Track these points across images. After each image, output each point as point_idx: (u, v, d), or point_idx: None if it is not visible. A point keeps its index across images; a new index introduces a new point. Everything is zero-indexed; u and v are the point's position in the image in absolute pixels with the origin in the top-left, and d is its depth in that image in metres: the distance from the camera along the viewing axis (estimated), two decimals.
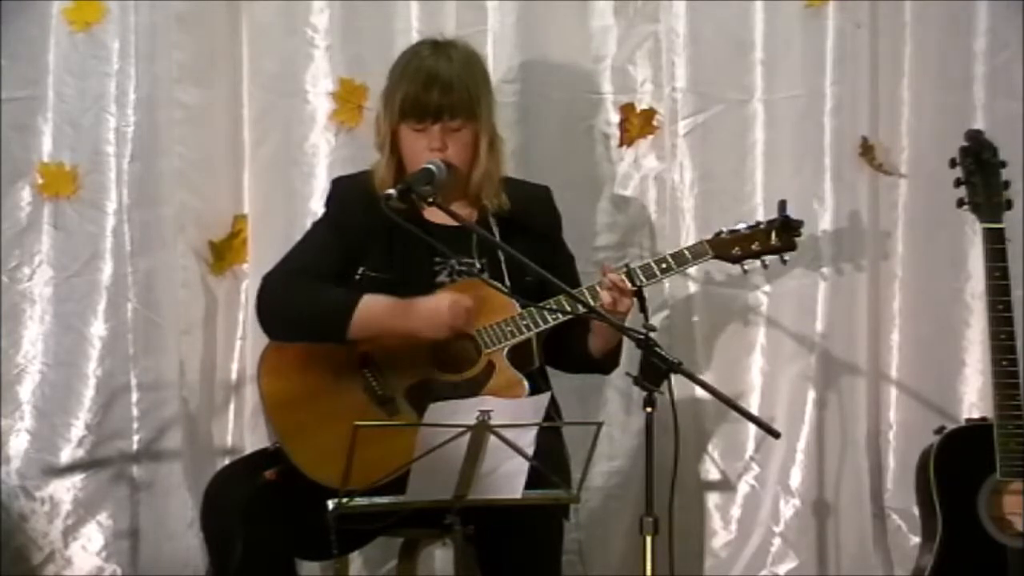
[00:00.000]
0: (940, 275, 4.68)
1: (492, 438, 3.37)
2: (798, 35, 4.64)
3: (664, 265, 4.01)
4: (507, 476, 3.44)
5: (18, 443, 4.57)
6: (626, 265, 4.00)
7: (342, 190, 4.08)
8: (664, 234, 4.68)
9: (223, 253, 4.67)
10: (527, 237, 3.97)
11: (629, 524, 4.60)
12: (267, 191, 4.65)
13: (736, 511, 4.69)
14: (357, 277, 3.97)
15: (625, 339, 3.60)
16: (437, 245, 3.80)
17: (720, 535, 4.69)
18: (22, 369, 4.59)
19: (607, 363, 4.06)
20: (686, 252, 4.06)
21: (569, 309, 3.86)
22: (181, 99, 4.59)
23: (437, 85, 3.90)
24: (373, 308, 3.84)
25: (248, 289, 4.62)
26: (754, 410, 4.53)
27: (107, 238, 4.56)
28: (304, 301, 3.89)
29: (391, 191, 3.69)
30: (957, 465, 4.24)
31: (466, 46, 4.04)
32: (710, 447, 4.69)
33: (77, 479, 4.55)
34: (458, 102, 3.91)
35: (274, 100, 4.63)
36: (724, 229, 4.12)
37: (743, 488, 4.68)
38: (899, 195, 4.69)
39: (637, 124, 4.70)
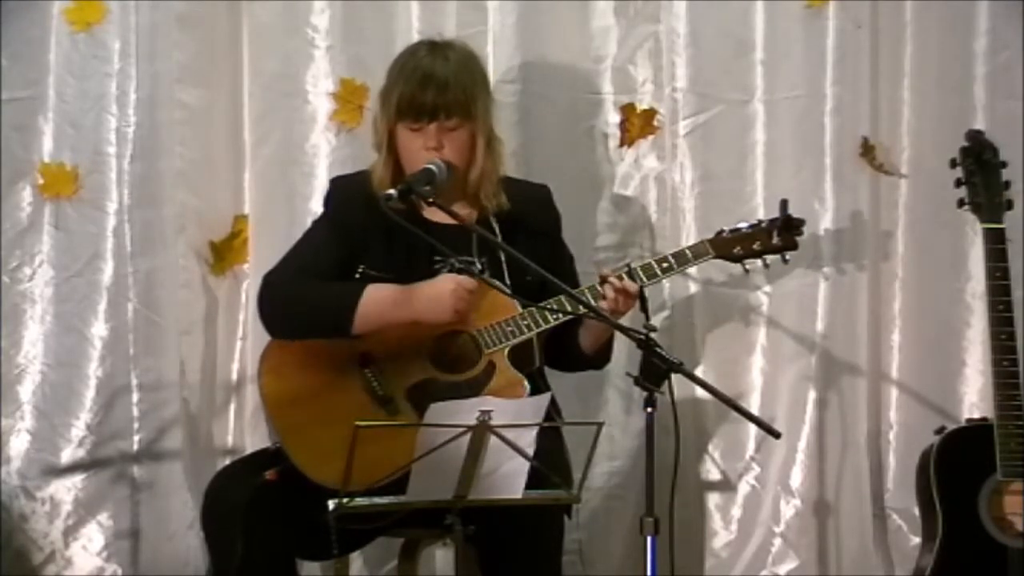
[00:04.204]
0: (941, 275, 4.68)
1: (493, 438, 3.37)
2: (799, 35, 4.64)
3: (665, 265, 4.01)
4: (508, 476, 3.45)
5: (19, 443, 4.57)
6: (627, 265, 4.00)
7: (341, 189, 4.08)
8: (665, 234, 4.68)
9: (224, 253, 4.67)
10: (527, 236, 3.98)
11: (630, 524, 4.61)
12: (268, 191, 4.65)
13: (737, 511, 4.69)
14: (357, 276, 3.97)
15: (623, 338, 3.60)
16: (437, 244, 3.80)
17: (721, 535, 4.69)
18: (23, 369, 4.59)
19: (599, 359, 4.08)
20: (687, 251, 4.07)
21: (569, 309, 3.86)
22: (182, 99, 4.58)
23: (433, 84, 3.91)
24: (377, 298, 3.84)
25: (249, 289, 4.62)
26: (755, 410, 4.54)
27: (108, 238, 4.56)
28: (307, 297, 3.90)
29: (391, 191, 3.70)
30: (958, 465, 4.24)
31: (464, 46, 4.05)
32: (710, 447, 4.69)
33: (78, 479, 4.55)
34: (454, 101, 3.91)
35: (275, 100, 4.63)
36: (725, 228, 4.12)
37: (743, 488, 4.69)
38: (900, 195, 4.69)
39: (637, 124, 4.70)
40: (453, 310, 3.82)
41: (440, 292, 3.83)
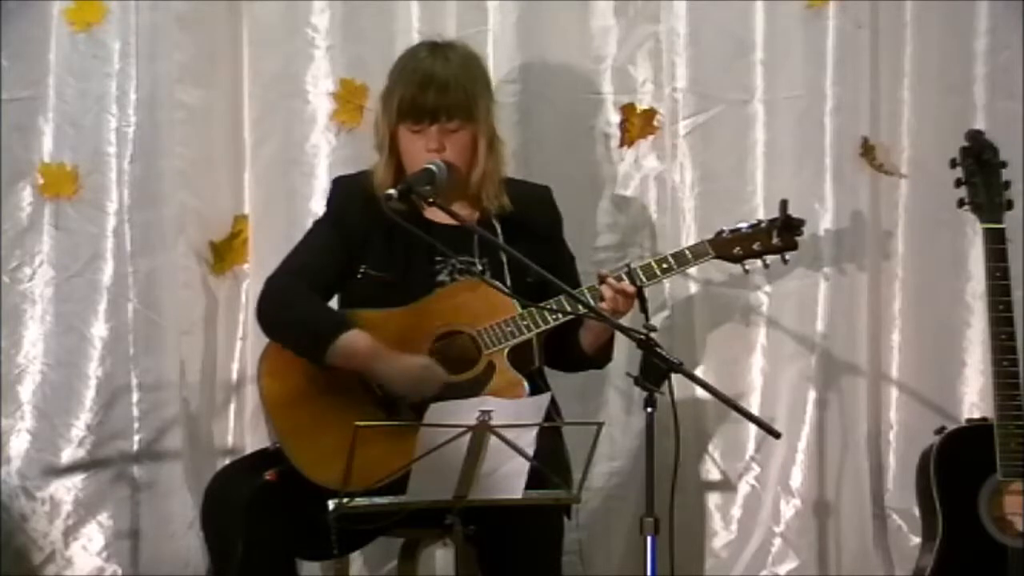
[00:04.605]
0: (941, 275, 4.68)
1: (493, 438, 3.37)
2: (799, 35, 4.64)
3: (665, 265, 4.01)
4: (508, 476, 3.44)
5: (19, 443, 4.57)
6: (627, 265, 4.00)
7: (342, 189, 4.08)
8: (665, 234, 4.67)
9: (224, 253, 4.67)
10: (528, 237, 3.98)
11: (629, 524, 4.60)
12: (268, 191, 4.65)
13: (737, 511, 4.69)
14: (359, 276, 3.97)
15: (624, 338, 3.60)
16: (438, 245, 3.81)
17: (721, 535, 4.69)
18: (23, 369, 4.59)
19: (600, 359, 4.08)
20: (687, 252, 4.06)
21: (569, 309, 3.86)
22: (182, 99, 4.58)
23: (434, 86, 3.91)
24: (354, 345, 3.82)
25: (249, 289, 4.62)
26: (755, 410, 4.53)
27: (108, 238, 4.56)
28: (295, 315, 3.90)
29: (392, 191, 3.70)
30: (958, 465, 4.24)
31: (465, 47, 4.05)
32: (711, 447, 4.69)
33: (78, 479, 4.55)
34: (455, 103, 3.91)
35: (275, 100, 4.63)
36: (725, 228, 4.12)
37: (744, 488, 4.68)
38: (900, 195, 4.69)
39: (638, 124, 4.70)
40: (415, 390, 3.79)
41: (410, 371, 3.81)
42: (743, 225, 4.13)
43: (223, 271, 4.68)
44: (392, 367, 3.82)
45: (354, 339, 3.83)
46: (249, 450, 4.43)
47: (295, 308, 3.91)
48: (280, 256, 4.06)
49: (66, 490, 4.55)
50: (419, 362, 3.83)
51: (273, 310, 3.94)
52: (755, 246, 4.11)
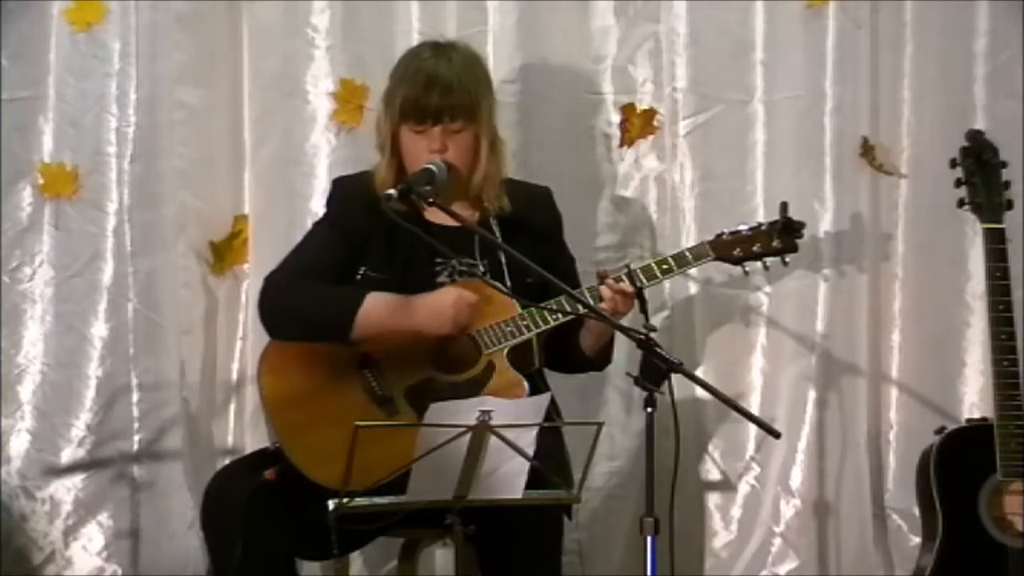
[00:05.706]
0: (941, 275, 4.68)
1: (493, 438, 3.37)
2: (799, 35, 4.64)
3: (665, 266, 4.01)
4: (508, 476, 3.45)
5: (19, 443, 4.57)
6: (627, 266, 4.00)
7: (343, 190, 4.08)
8: (665, 234, 4.68)
9: (224, 253, 4.67)
10: (528, 238, 3.98)
11: (629, 524, 4.61)
12: (268, 191, 4.65)
13: (737, 511, 4.69)
14: (358, 277, 3.97)
15: (624, 339, 3.60)
16: (438, 245, 3.81)
17: (721, 535, 4.69)
18: (23, 369, 4.59)
19: (600, 360, 4.08)
20: (687, 253, 4.06)
21: (569, 309, 3.86)
22: (182, 99, 4.59)
23: (437, 87, 3.91)
24: (377, 306, 3.84)
25: (249, 289, 4.62)
26: (755, 410, 4.54)
27: (108, 238, 4.56)
28: (308, 301, 3.90)
29: (391, 191, 3.69)
30: (958, 465, 4.24)
31: (467, 48, 4.05)
32: (711, 447, 4.69)
33: (78, 479, 4.55)
34: (458, 104, 3.91)
35: (275, 100, 4.63)
36: (725, 230, 4.12)
37: (744, 488, 4.68)
38: (900, 195, 4.69)
39: (637, 124, 4.71)
40: (453, 322, 3.83)
41: (441, 304, 3.83)
42: (743, 227, 4.13)
43: (223, 271, 4.68)
44: (424, 314, 3.82)
45: (374, 302, 3.83)
46: (249, 450, 4.43)
47: (304, 297, 3.90)
48: (280, 256, 4.07)
49: (66, 490, 4.55)
50: (447, 299, 3.83)
51: (280, 305, 3.93)
52: (755, 248, 4.12)
